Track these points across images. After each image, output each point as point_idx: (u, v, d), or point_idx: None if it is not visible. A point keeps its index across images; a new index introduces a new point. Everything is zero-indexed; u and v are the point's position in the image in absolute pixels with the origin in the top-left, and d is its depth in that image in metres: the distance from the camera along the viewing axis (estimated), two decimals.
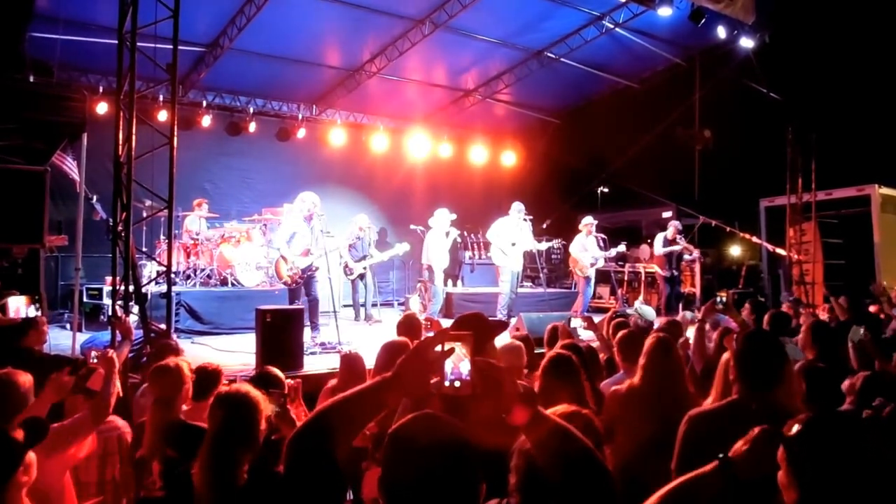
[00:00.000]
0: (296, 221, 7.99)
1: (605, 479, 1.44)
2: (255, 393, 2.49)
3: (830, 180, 11.26)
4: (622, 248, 10.51)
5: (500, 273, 9.66)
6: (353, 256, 10.38)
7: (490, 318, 2.98)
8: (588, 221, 10.46)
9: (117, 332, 5.08)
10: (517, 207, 9.68)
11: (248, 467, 2.23)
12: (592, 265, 10.30)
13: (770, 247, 11.54)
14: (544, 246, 10.32)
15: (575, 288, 11.16)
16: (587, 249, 10.29)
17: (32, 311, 4.31)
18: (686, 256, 10.71)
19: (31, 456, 2.20)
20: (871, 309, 7.25)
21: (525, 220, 9.74)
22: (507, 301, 9.41)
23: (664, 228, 10.87)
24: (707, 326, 4.62)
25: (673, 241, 10.40)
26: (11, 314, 4.16)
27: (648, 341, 3.22)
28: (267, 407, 2.54)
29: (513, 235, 9.48)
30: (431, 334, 1.57)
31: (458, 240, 10.88)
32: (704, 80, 11.53)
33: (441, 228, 9.45)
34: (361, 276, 10.41)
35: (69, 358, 5.22)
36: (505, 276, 9.49)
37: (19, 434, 2.22)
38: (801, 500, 1.57)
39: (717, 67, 11.16)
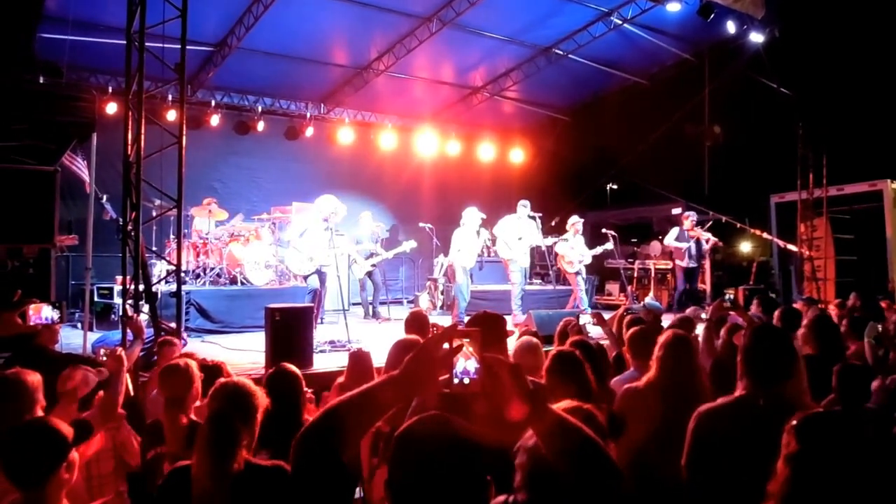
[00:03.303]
0: (311, 220, 8.06)
1: (613, 473, 1.43)
2: (252, 385, 2.57)
3: (842, 175, 11.15)
4: (609, 246, 10.46)
5: (508, 268, 9.67)
6: (362, 254, 10.41)
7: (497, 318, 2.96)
8: (574, 221, 10.48)
9: (129, 331, 5.10)
10: (523, 205, 9.69)
11: (245, 459, 2.21)
12: (580, 262, 10.30)
13: (781, 243, 11.46)
14: (550, 241, 10.24)
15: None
16: (574, 248, 10.32)
17: (56, 315, 4.32)
18: (705, 245, 10.51)
19: (75, 455, 2.22)
20: (883, 305, 7.18)
21: (531, 216, 9.73)
22: (520, 294, 9.44)
23: (673, 224, 10.77)
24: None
25: (690, 231, 10.29)
26: (38, 320, 4.17)
27: (665, 335, 3.20)
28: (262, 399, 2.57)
29: (519, 231, 9.48)
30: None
31: (489, 242, 10.84)
32: (714, 75, 11.45)
33: (472, 227, 9.42)
34: (370, 274, 10.43)
35: (81, 356, 5.26)
36: (514, 268, 9.52)
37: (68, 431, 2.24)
38: (789, 489, 1.57)
39: (726, 63, 11.08)
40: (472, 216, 9.41)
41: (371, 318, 10.26)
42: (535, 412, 1.41)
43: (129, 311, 5.70)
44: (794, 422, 1.65)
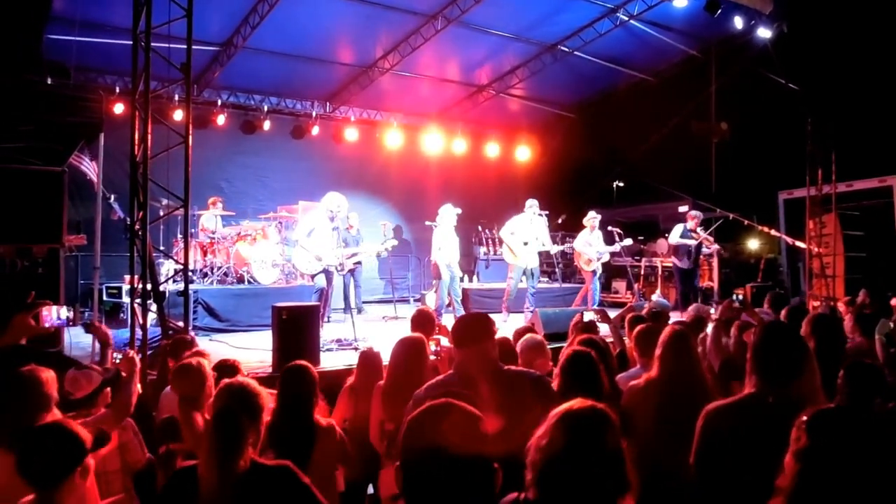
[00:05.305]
0: (318, 218, 8.08)
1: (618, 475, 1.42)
2: (257, 385, 2.63)
3: (851, 171, 11.08)
4: (628, 242, 10.38)
5: (510, 268, 9.65)
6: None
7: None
8: (592, 216, 10.34)
9: (96, 340, 5.01)
10: (530, 204, 9.62)
11: (251, 458, 2.22)
12: (598, 259, 10.20)
13: (789, 240, 11.39)
14: (556, 249, 10.13)
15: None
16: (591, 245, 10.21)
17: (70, 314, 4.33)
18: (704, 250, 10.46)
19: (91, 461, 2.27)
20: (893, 302, 7.14)
21: (539, 215, 9.68)
22: (513, 296, 9.47)
23: (682, 222, 10.67)
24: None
25: (693, 232, 10.19)
26: (51, 321, 4.19)
27: (664, 333, 3.19)
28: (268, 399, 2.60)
29: (526, 233, 9.42)
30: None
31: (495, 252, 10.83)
32: (721, 71, 11.40)
33: (450, 224, 9.38)
34: (352, 271, 10.50)
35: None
36: (512, 272, 9.51)
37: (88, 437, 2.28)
38: (797, 484, 1.56)
39: (733, 59, 11.04)
40: (448, 213, 9.36)
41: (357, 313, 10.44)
42: None
43: (98, 319, 5.64)
44: (805, 417, 1.64)
